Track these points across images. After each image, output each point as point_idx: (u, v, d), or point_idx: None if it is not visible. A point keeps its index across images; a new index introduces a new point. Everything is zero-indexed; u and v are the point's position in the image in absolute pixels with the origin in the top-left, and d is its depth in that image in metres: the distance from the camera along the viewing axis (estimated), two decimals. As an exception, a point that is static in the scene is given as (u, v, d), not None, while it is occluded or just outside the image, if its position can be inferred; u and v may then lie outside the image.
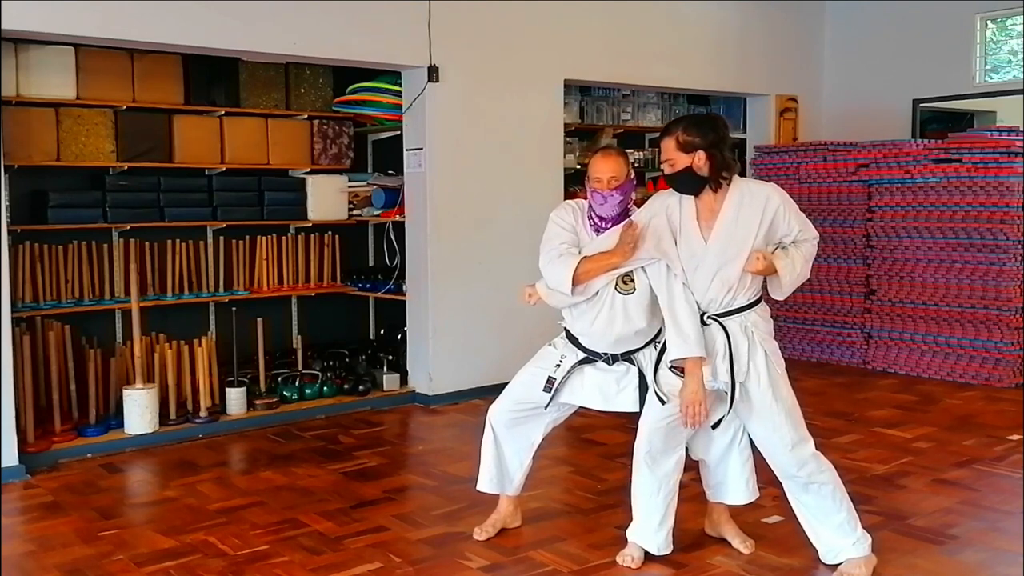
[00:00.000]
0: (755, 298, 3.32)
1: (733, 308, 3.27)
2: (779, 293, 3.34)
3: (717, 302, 3.27)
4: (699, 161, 3.20)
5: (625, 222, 3.35)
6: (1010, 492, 4.33)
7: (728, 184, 3.25)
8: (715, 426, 3.44)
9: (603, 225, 3.50)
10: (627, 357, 3.56)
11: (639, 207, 3.52)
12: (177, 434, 5.32)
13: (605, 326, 3.48)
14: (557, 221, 3.55)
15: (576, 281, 3.38)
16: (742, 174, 3.46)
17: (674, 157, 3.23)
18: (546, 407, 3.64)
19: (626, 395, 3.57)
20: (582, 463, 4.82)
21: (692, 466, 3.63)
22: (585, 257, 3.40)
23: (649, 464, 3.42)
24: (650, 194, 5.06)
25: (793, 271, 3.26)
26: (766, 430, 3.30)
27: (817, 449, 3.34)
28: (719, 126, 3.26)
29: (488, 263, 6.27)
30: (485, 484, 3.81)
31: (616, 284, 3.44)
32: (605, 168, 3.45)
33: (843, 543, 3.36)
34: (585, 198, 3.59)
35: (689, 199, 3.30)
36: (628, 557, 3.50)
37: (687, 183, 3.26)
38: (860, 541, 3.36)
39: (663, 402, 3.34)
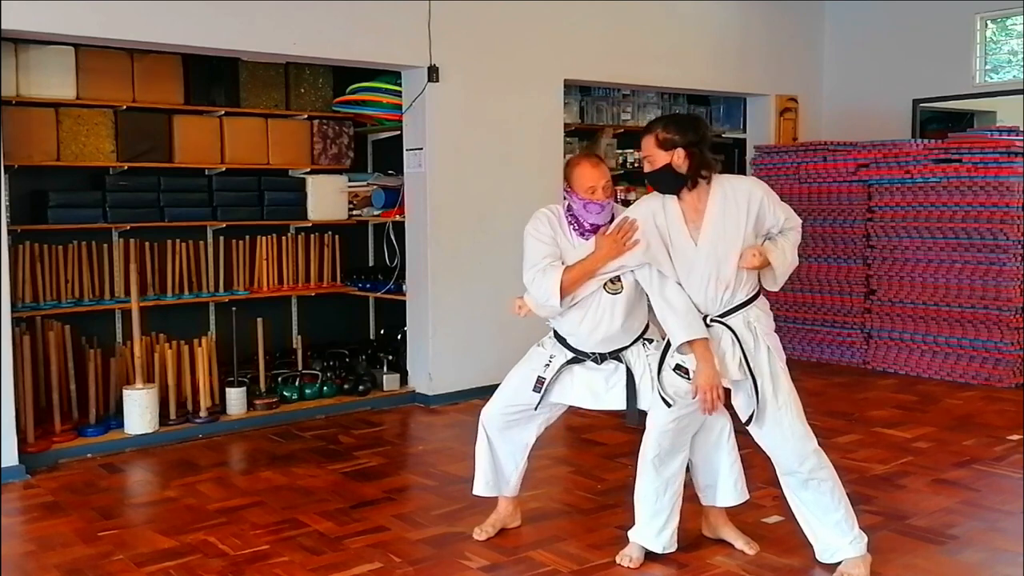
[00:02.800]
0: (754, 292, 3.33)
1: (735, 305, 3.28)
2: (773, 284, 3.36)
3: (718, 301, 3.27)
4: (678, 159, 3.22)
5: (602, 228, 3.38)
6: (1010, 492, 4.33)
7: (708, 183, 3.27)
8: (747, 422, 3.36)
9: (594, 232, 3.51)
10: (615, 355, 3.57)
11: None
12: (177, 434, 5.32)
13: (592, 327, 3.50)
14: (535, 235, 3.52)
15: (563, 292, 3.39)
16: (742, 174, 3.46)
17: (653, 154, 3.28)
18: (536, 407, 3.65)
19: (615, 393, 3.58)
20: (582, 463, 4.82)
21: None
22: (567, 267, 3.40)
23: (657, 466, 3.42)
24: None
25: (784, 261, 3.30)
26: (768, 425, 3.29)
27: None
28: (699, 126, 3.32)
29: (488, 263, 6.27)
30: (481, 488, 3.81)
31: (604, 286, 3.46)
32: (599, 176, 3.47)
33: (840, 542, 3.36)
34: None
35: (673, 202, 3.31)
36: (627, 557, 3.50)
37: (665, 181, 3.29)
38: (857, 540, 3.36)
39: (669, 405, 3.33)
